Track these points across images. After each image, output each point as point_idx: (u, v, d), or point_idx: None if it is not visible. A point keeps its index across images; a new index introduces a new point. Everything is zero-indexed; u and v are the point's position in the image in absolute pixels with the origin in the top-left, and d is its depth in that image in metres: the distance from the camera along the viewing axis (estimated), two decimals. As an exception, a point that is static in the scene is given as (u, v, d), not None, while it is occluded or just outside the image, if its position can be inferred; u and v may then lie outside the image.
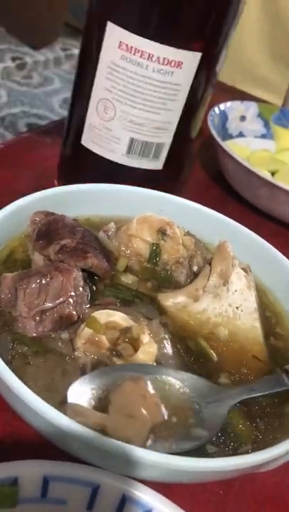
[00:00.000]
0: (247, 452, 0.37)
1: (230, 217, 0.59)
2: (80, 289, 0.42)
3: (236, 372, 0.44)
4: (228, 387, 0.42)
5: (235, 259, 0.48)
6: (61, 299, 0.40)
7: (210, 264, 0.47)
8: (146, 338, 0.39)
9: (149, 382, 0.36)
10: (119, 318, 0.40)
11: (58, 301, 0.40)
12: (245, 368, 0.44)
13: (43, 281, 0.41)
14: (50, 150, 0.78)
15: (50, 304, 0.40)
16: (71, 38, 3.41)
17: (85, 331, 0.39)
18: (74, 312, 0.41)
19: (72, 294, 0.41)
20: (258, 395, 0.41)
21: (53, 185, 0.64)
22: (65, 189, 0.54)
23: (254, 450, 0.38)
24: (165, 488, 0.35)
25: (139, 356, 0.39)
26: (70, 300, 0.41)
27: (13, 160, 0.74)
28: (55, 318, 0.40)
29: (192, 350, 0.44)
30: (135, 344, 0.39)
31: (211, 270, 0.46)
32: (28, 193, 0.51)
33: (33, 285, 0.40)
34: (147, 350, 0.39)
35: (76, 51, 3.47)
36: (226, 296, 0.46)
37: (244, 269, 0.48)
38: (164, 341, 0.42)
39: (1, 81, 2.99)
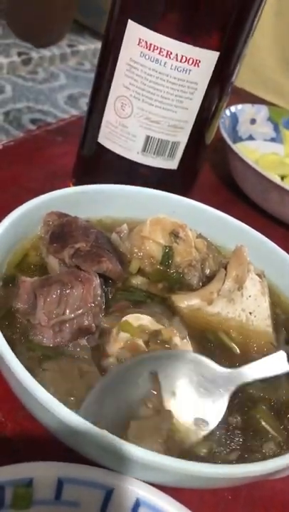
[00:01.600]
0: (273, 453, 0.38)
1: (238, 220, 0.59)
2: (99, 298, 0.42)
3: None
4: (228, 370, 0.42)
5: (251, 265, 0.48)
6: (81, 311, 0.40)
7: (225, 268, 0.47)
8: (178, 340, 0.40)
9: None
10: (147, 321, 0.41)
11: (77, 313, 0.40)
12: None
13: (64, 291, 0.40)
14: (61, 148, 0.78)
15: (71, 315, 0.40)
16: (77, 34, 3.40)
17: (122, 335, 0.39)
18: (92, 324, 0.41)
19: (92, 305, 0.41)
20: (258, 378, 0.42)
21: (66, 185, 0.64)
22: (78, 190, 0.54)
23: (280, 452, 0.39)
24: (174, 492, 0.35)
25: None
26: (90, 311, 0.41)
27: (24, 158, 0.74)
28: (74, 330, 0.40)
29: (210, 347, 0.44)
30: (166, 346, 0.40)
31: (226, 274, 0.46)
32: (41, 193, 0.50)
33: (54, 294, 0.40)
34: None
35: (82, 48, 3.48)
36: (239, 301, 0.46)
37: (258, 275, 0.48)
38: (184, 340, 0.42)
39: (6, 76, 2.98)
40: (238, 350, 0.45)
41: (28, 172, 0.70)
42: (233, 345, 0.45)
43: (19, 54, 3.05)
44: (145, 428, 0.35)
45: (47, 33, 0.98)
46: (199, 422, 0.38)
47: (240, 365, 0.43)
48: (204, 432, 0.38)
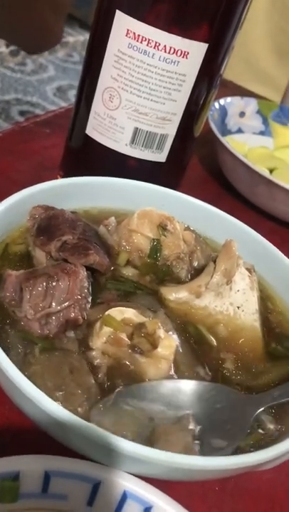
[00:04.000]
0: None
1: (227, 213, 0.59)
2: (85, 290, 0.42)
3: (241, 358, 0.45)
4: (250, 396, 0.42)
5: (240, 259, 0.48)
6: (67, 303, 0.40)
7: (214, 261, 0.47)
8: (162, 332, 0.40)
9: None
10: (131, 314, 0.40)
11: (64, 305, 0.40)
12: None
13: (50, 284, 0.40)
14: (49, 140, 0.77)
15: (57, 308, 0.40)
16: (67, 26, 3.37)
17: (105, 330, 0.39)
18: (79, 317, 0.40)
19: (79, 297, 0.41)
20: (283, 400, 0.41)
21: (54, 177, 0.63)
22: (66, 182, 0.53)
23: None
24: (162, 484, 0.35)
25: (160, 352, 0.39)
26: (76, 304, 0.40)
27: (11, 150, 0.73)
28: (61, 322, 0.40)
29: (193, 341, 0.44)
30: (150, 339, 0.40)
31: (215, 268, 0.46)
32: (28, 185, 0.50)
33: (40, 287, 0.40)
34: (167, 345, 0.39)
35: (71, 39, 3.44)
36: (228, 295, 0.46)
37: (248, 269, 0.48)
38: (170, 332, 0.42)
39: (-5, 67, 2.95)
40: (215, 343, 0.45)
41: (15, 164, 0.69)
42: (212, 338, 0.45)
43: (7, 45, 3.02)
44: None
45: (39, 38, 0.95)
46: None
47: (221, 360, 0.44)
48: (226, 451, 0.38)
